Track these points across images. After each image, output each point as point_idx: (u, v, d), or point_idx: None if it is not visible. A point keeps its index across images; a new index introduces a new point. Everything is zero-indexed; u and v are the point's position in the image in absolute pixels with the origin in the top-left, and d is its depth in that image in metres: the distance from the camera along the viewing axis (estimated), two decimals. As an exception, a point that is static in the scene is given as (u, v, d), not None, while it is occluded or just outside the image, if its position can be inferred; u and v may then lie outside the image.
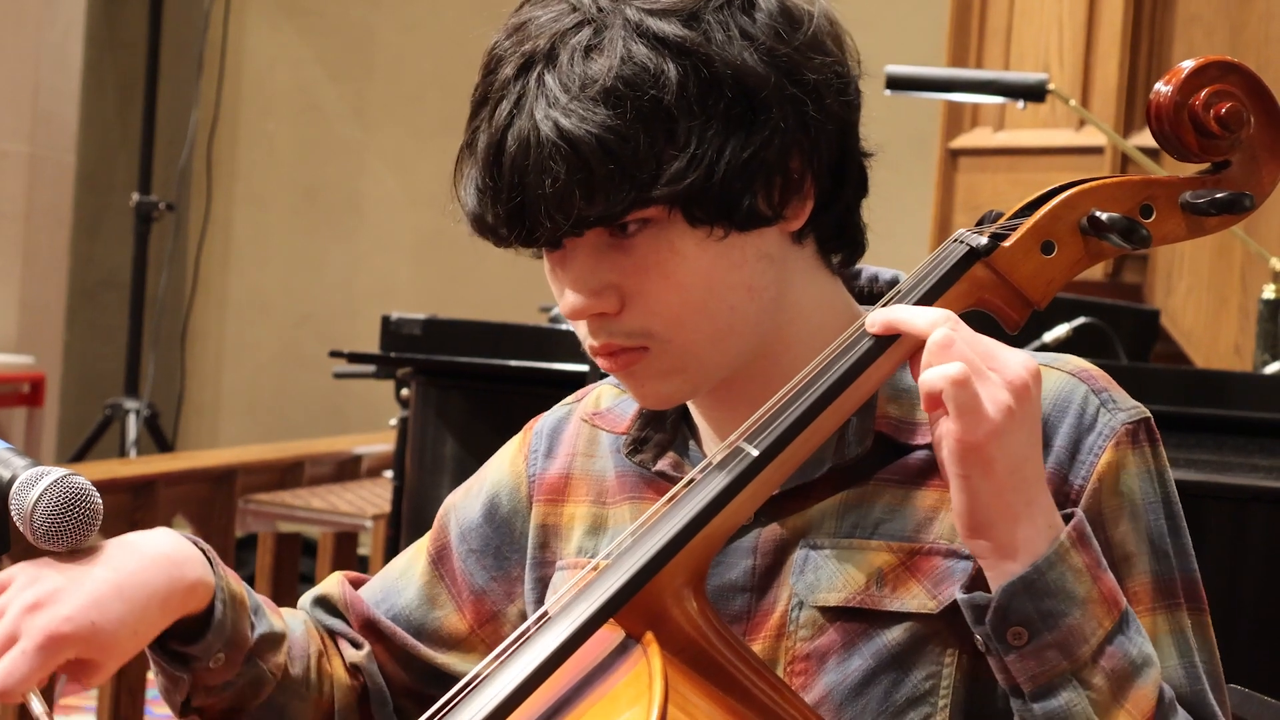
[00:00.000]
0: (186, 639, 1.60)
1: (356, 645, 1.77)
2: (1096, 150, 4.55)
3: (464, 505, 1.77)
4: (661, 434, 1.64)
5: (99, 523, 1.49)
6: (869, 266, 1.65)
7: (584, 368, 3.04)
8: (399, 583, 1.79)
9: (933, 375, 1.38)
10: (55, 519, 1.47)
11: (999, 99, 3.81)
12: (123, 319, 6.88)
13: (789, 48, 1.49)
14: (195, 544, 1.62)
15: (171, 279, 7.27)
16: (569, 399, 1.77)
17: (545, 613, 1.49)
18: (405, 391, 3.49)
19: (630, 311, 1.50)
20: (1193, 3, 4.57)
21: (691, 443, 1.63)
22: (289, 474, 5.36)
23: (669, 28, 1.46)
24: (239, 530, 5.09)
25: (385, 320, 3.32)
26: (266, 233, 7.68)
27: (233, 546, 5.05)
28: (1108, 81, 4.61)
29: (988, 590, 1.42)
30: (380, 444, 5.84)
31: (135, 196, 6.65)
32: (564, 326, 3.67)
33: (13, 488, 1.48)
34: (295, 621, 1.74)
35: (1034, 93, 3.63)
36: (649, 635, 1.42)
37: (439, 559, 1.77)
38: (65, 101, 6.98)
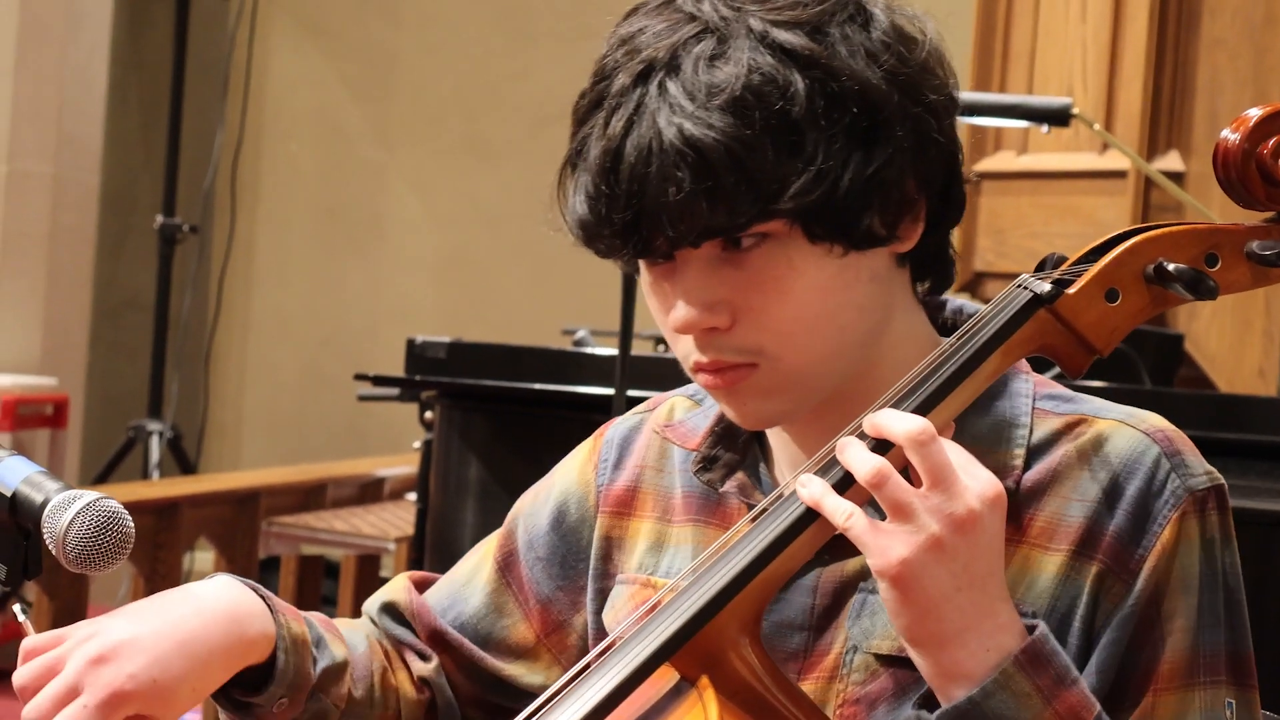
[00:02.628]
0: (249, 687, 1.60)
1: (424, 657, 1.75)
2: (1120, 174, 4.54)
3: (532, 511, 1.76)
4: (732, 454, 1.63)
5: (131, 546, 1.50)
6: (955, 299, 1.64)
7: (609, 390, 3.03)
8: (465, 590, 1.77)
9: (829, 509, 1.39)
10: (88, 543, 1.48)
11: (1023, 123, 3.80)
12: (146, 340, 6.90)
13: (908, 67, 1.48)
14: (254, 590, 1.62)
15: (195, 300, 7.28)
16: (641, 407, 1.75)
17: (607, 646, 1.48)
18: (429, 414, 3.49)
19: (742, 327, 1.48)
20: (1216, 26, 4.56)
21: (762, 465, 1.62)
22: (311, 496, 5.36)
23: (795, 39, 1.45)
24: (262, 552, 5.09)
25: (410, 343, 3.32)
26: (289, 254, 7.69)
27: (256, 569, 5.05)
28: (1131, 105, 4.60)
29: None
30: (403, 466, 5.83)
31: (159, 219, 6.67)
32: (588, 350, 3.67)
33: (45, 511, 1.49)
34: (357, 638, 1.72)
35: (1058, 117, 3.63)
36: (704, 679, 1.41)
37: (506, 566, 1.76)
38: (89, 122, 6.99)
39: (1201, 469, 1.52)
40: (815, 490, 1.40)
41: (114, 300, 7.57)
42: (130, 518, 1.50)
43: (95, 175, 7.05)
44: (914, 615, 1.38)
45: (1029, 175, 4.82)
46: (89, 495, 1.49)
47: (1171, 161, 4.53)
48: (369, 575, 5.11)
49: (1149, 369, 3.44)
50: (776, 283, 1.47)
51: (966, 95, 3.97)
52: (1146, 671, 1.48)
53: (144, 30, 7.65)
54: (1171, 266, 1.47)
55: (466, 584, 1.77)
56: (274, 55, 7.68)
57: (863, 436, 1.42)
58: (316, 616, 1.69)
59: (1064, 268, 1.49)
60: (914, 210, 1.51)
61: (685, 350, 1.52)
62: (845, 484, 1.41)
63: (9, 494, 1.51)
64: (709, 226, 1.44)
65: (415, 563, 3.59)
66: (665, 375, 1.73)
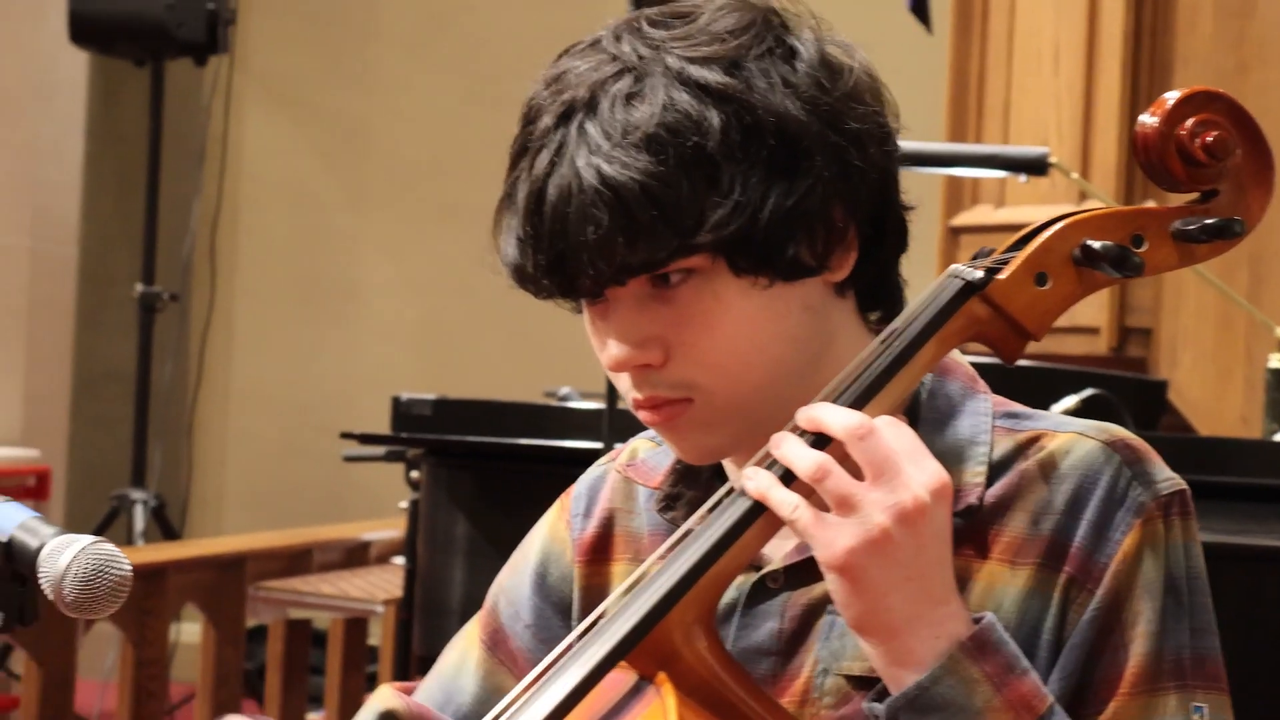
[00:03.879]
0: None
1: None
2: (1098, 224, 4.55)
3: (512, 584, 1.75)
4: (695, 491, 1.62)
5: (129, 589, 1.50)
6: None
7: (597, 444, 3.03)
8: (457, 681, 1.75)
9: (775, 502, 1.41)
10: (86, 586, 1.47)
11: (1001, 173, 3.82)
12: (127, 410, 6.87)
13: (830, 97, 1.50)
14: None
15: (175, 369, 7.27)
16: (604, 459, 1.75)
17: (560, 654, 1.48)
18: (415, 474, 3.48)
19: (674, 363, 1.50)
20: (1188, 75, 4.59)
21: None
22: (298, 560, 5.34)
23: (711, 75, 1.47)
24: (250, 618, 5.07)
25: (396, 401, 3.31)
26: (266, 322, 7.69)
27: (244, 636, 5.03)
28: (1107, 155, 4.63)
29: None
30: (387, 530, 5.82)
31: (139, 287, 6.65)
32: (572, 405, 3.67)
33: (40, 555, 1.48)
34: None
35: (1036, 166, 3.63)
36: (662, 675, 1.42)
37: (494, 645, 1.74)
38: (65, 196, 7.00)
39: (1162, 475, 1.52)
40: (762, 482, 1.42)
41: (94, 371, 7.55)
42: (127, 560, 1.50)
43: (72, 248, 7.06)
44: (863, 607, 1.40)
45: (1006, 228, 4.79)
46: (84, 539, 1.49)
47: (1149, 210, 4.55)
48: (357, 639, 5.09)
49: (1133, 415, 3.44)
50: (704, 317, 1.49)
51: (943, 146, 3.99)
52: (1110, 677, 1.48)
53: (118, 103, 7.66)
54: (1097, 245, 1.49)
55: (456, 675, 1.76)
56: (247, 125, 7.69)
57: (798, 432, 1.43)
58: None
59: (994, 256, 1.51)
60: (844, 239, 1.52)
61: (625, 387, 1.53)
62: (787, 479, 1.42)
63: (4, 539, 1.50)
64: (629, 264, 1.46)
65: (405, 624, 3.58)
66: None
